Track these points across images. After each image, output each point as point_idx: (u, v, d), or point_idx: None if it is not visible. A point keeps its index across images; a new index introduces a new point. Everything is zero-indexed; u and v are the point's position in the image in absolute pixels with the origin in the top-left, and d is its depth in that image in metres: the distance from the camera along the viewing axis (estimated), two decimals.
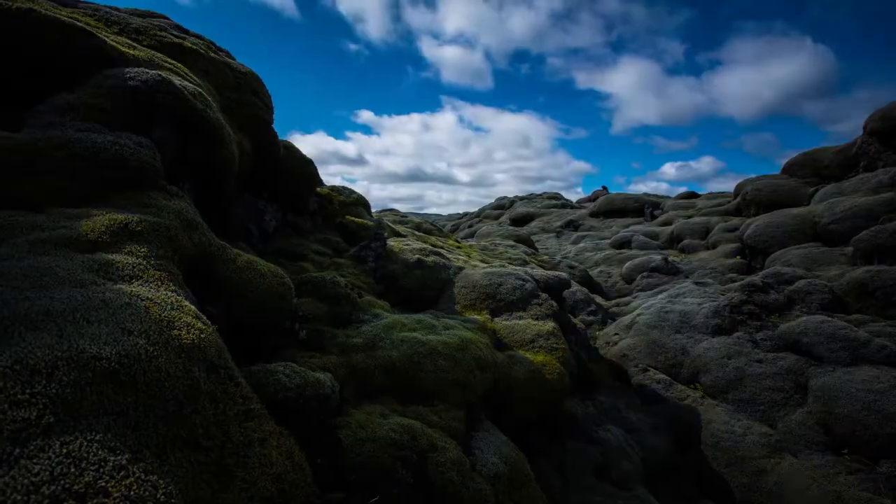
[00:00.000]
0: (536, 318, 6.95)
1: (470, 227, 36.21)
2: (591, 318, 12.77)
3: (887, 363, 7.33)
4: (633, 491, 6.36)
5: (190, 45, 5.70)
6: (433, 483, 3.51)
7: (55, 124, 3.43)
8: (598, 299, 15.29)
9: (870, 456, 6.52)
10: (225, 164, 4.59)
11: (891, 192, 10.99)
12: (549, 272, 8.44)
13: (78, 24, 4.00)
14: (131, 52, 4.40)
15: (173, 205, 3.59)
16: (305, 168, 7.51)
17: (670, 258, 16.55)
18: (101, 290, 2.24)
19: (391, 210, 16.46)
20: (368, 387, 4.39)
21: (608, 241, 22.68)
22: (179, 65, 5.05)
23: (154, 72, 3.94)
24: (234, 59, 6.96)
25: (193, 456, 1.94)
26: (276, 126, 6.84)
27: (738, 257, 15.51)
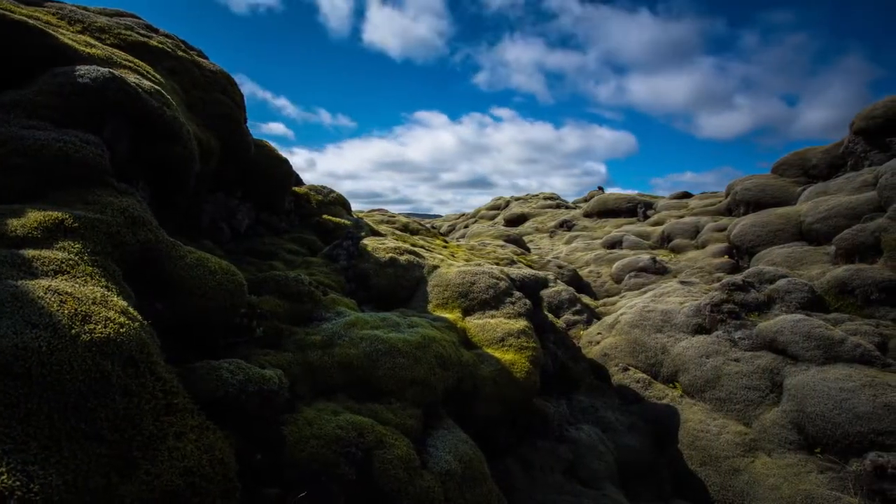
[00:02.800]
0: (509, 317, 6.95)
1: (466, 227, 36.22)
2: (576, 317, 12.76)
3: (861, 361, 7.32)
4: (603, 490, 6.36)
5: (156, 43, 5.71)
6: (377, 480, 3.51)
7: None
8: (586, 299, 15.29)
9: (840, 454, 6.52)
10: (183, 163, 4.60)
11: (873, 191, 10.98)
12: (525, 271, 8.44)
13: (30, 22, 4.01)
14: (88, 50, 4.41)
15: (120, 202, 3.60)
16: (279, 167, 7.52)
17: (658, 258, 16.56)
18: (14, 285, 2.24)
19: (379, 210, 16.46)
20: (324, 384, 4.39)
21: (600, 241, 22.68)
22: (142, 63, 5.06)
23: (105, 69, 3.95)
24: (206, 58, 6.98)
25: (93, 448, 1.94)
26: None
27: (725, 257, 15.51)
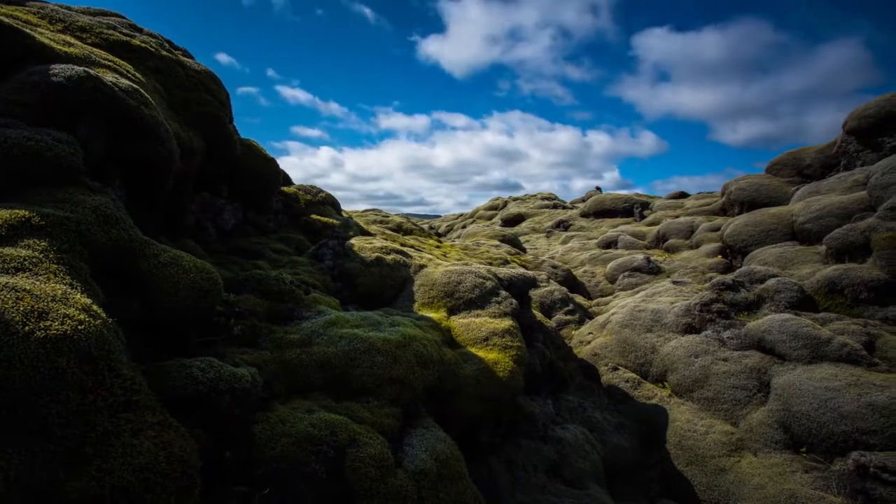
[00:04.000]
0: (494, 317, 6.95)
1: (463, 227, 36.24)
2: (568, 317, 12.76)
3: (847, 361, 7.32)
4: (587, 489, 6.35)
5: (138, 42, 5.72)
6: (347, 478, 3.51)
7: None
8: (579, 299, 15.28)
9: (825, 454, 6.51)
10: (161, 162, 4.60)
11: (864, 190, 10.97)
12: (513, 271, 8.44)
13: (5, 21, 4.02)
14: (65, 49, 4.41)
15: (92, 200, 3.60)
16: (266, 166, 7.52)
17: (653, 258, 16.55)
18: None
19: (373, 210, 16.47)
20: (301, 383, 4.39)
21: (596, 241, 22.68)
22: (122, 62, 5.07)
23: (80, 68, 3.95)
24: (192, 58, 6.98)
25: (41, 445, 1.94)
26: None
27: (719, 256, 15.51)
